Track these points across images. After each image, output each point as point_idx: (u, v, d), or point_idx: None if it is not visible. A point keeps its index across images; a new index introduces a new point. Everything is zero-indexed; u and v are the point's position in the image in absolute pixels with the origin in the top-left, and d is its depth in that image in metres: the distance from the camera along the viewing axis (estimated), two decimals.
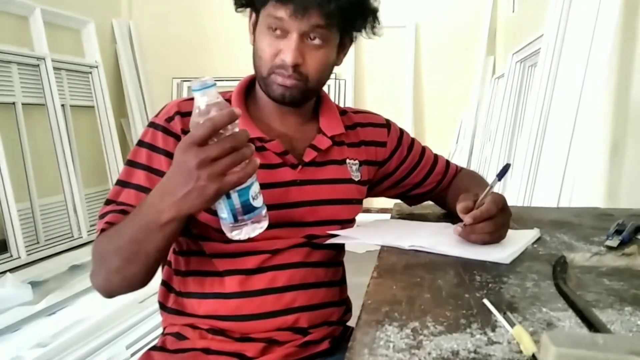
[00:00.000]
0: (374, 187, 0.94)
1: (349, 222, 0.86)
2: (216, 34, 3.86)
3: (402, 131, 0.96)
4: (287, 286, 0.78)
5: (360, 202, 0.88)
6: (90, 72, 3.41)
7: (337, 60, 0.83)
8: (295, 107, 0.82)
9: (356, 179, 0.86)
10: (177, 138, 0.76)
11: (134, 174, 0.76)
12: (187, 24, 3.95)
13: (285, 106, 0.81)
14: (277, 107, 0.82)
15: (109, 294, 0.75)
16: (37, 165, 2.88)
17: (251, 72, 0.83)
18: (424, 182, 0.96)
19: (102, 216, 0.75)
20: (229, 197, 0.59)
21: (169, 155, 0.75)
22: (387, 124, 0.95)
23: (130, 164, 0.77)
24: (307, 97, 0.81)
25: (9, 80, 2.75)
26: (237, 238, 0.62)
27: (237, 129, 0.58)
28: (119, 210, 0.74)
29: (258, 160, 0.59)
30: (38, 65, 2.93)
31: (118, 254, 0.68)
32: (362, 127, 0.91)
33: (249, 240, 0.70)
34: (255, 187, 0.60)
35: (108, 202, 0.76)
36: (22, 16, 2.95)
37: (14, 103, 2.78)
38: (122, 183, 0.76)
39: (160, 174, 0.73)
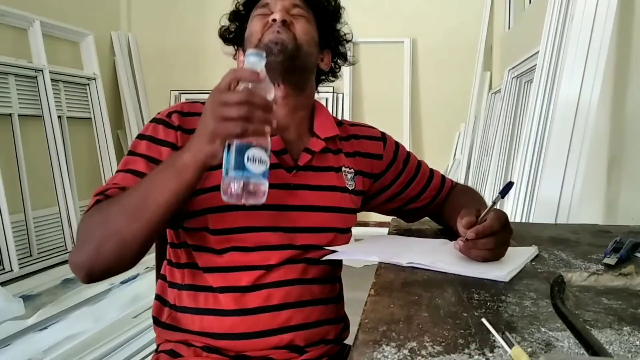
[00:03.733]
0: (370, 201, 0.94)
1: (342, 232, 0.85)
2: (214, 47, 3.85)
3: (397, 144, 0.97)
4: (282, 304, 0.77)
5: (354, 211, 0.87)
6: (88, 84, 3.42)
7: (322, 62, 0.88)
8: (288, 66, 0.81)
9: (350, 188, 0.86)
10: (177, 129, 0.78)
11: (132, 161, 0.77)
12: (185, 37, 3.98)
13: (278, 73, 0.81)
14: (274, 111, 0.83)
15: (92, 271, 0.69)
16: (32, 177, 2.86)
17: None
18: (420, 196, 0.96)
19: (97, 194, 0.74)
20: (229, 149, 0.61)
21: (170, 145, 0.77)
22: (383, 137, 0.95)
23: (130, 153, 0.78)
24: (298, 53, 0.81)
25: (6, 91, 2.75)
26: (226, 198, 0.62)
27: (268, 96, 0.62)
28: (119, 187, 0.73)
29: (267, 128, 0.61)
30: (36, 77, 2.94)
31: (123, 211, 0.67)
32: (358, 139, 0.92)
33: (241, 250, 0.72)
34: (257, 152, 0.61)
35: (106, 183, 0.77)
36: (22, 28, 2.97)
37: (10, 114, 2.78)
38: (119, 170, 0.77)
39: (158, 161, 0.75)
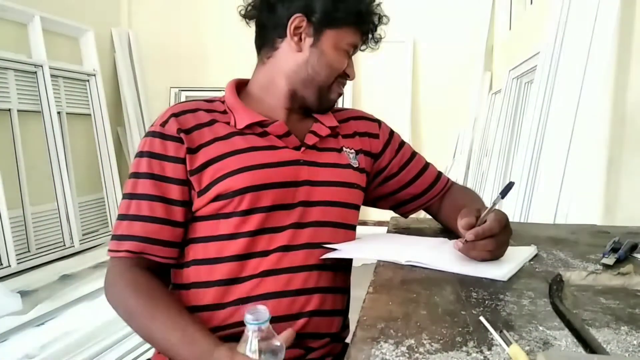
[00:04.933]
0: (370, 184, 0.94)
1: (352, 207, 0.86)
2: (214, 44, 3.88)
3: (392, 129, 0.99)
4: (301, 289, 0.77)
5: (362, 189, 0.89)
6: (88, 80, 3.41)
7: None
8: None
9: (355, 165, 0.88)
10: (175, 140, 0.77)
11: (139, 184, 0.77)
12: (186, 35, 3.97)
13: (313, 112, 0.88)
14: (282, 105, 0.86)
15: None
16: (31, 173, 2.86)
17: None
18: (415, 181, 0.96)
19: (119, 237, 0.76)
20: None
21: (170, 159, 0.77)
22: (378, 121, 0.98)
23: (134, 175, 0.78)
24: None
25: (5, 86, 2.74)
26: None
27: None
28: (140, 237, 0.75)
29: None
30: (35, 72, 2.93)
31: (143, 333, 0.74)
32: (355, 120, 0.95)
33: (258, 233, 0.76)
34: None
35: (120, 217, 0.77)
36: (22, 23, 2.96)
37: (9, 110, 2.77)
38: (129, 196, 0.77)
39: (165, 179, 0.76)
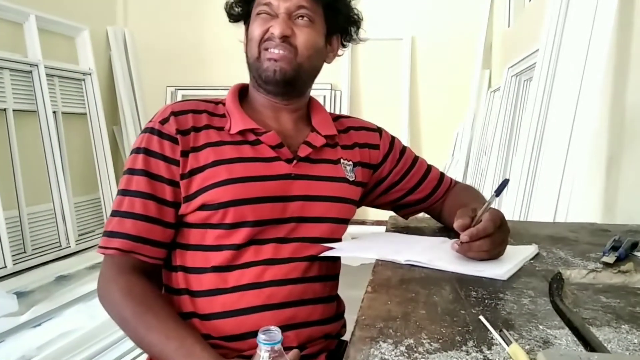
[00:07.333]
0: (369, 193, 0.93)
1: (342, 222, 0.84)
2: (210, 43, 3.87)
3: (393, 137, 0.97)
4: (284, 302, 0.76)
5: (355, 203, 0.87)
6: (84, 79, 3.40)
7: (327, 57, 0.87)
8: (288, 90, 0.82)
9: (350, 179, 0.86)
10: (172, 140, 0.76)
11: (134, 180, 0.76)
12: (182, 33, 3.96)
13: (278, 96, 0.82)
14: (272, 105, 0.84)
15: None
16: (27, 173, 2.84)
17: (242, 81, 0.88)
18: (418, 187, 0.95)
19: (109, 234, 0.74)
20: None
21: (165, 159, 0.76)
22: (379, 129, 0.96)
23: (129, 171, 0.77)
24: (299, 75, 0.81)
25: (1, 86, 2.73)
26: None
27: None
28: (130, 235, 0.74)
29: None
30: (31, 72, 2.91)
31: (139, 342, 0.72)
32: (356, 130, 0.92)
33: (241, 246, 0.74)
34: None
35: (113, 213, 0.76)
36: (17, 23, 2.94)
37: (5, 109, 2.76)
38: (123, 192, 0.76)
39: (160, 178, 0.75)
